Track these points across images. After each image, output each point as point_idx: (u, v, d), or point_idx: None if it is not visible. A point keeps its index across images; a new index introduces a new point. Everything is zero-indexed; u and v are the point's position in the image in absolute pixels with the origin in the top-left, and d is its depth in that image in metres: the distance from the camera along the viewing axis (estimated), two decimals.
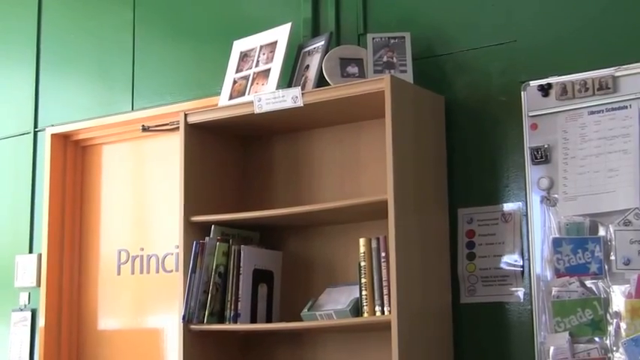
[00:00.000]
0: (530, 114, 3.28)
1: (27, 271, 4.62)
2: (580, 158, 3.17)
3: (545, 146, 3.24)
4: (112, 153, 4.65)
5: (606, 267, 3.07)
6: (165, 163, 4.33)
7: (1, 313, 4.72)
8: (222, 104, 3.73)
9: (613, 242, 3.06)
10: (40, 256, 4.59)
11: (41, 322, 4.52)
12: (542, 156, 3.24)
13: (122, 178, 4.58)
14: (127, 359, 4.40)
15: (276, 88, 3.57)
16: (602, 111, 3.16)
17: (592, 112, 3.18)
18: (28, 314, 4.60)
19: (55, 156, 4.65)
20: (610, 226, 3.08)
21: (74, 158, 4.72)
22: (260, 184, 3.89)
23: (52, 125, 4.68)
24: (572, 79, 3.22)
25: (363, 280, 3.28)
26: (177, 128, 3.78)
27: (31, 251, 4.66)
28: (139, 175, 4.53)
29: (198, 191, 3.70)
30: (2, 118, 4.92)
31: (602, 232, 3.10)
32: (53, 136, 4.66)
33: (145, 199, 4.49)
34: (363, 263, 3.29)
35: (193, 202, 3.67)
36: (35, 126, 4.77)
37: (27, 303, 4.63)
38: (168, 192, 4.17)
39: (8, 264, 4.70)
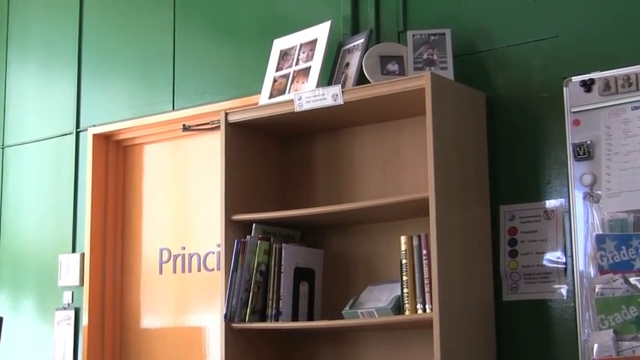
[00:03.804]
0: (573, 110, 3.25)
1: (70, 270, 4.66)
2: (623, 154, 3.14)
3: (588, 142, 3.21)
4: (153, 152, 4.68)
5: None
6: (206, 162, 4.35)
7: (45, 311, 4.77)
8: (263, 103, 3.73)
9: None
10: (83, 255, 4.63)
11: (84, 320, 4.56)
12: (584, 152, 3.21)
13: (163, 178, 4.61)
14: (170, 358, 4.42)
15: (317, 87, 3.57)
16: None
17: (635, 108, 3.14)
18: (72, 313, 4.64)
19: (96, 156, 4.69)
20: None
21: (116, 158, 4.76)
22: (301, 183, 3.90)
23: (94, 125, 4.72)
24: (614, 74, 3.19)
25: (404, 278, 3.27)
26: (218, 127, 3.80)
27: (74, 250, 4.70)
28: (180, 175, 4.56)
29: (239, 190, 3.71)
30: (45, 118, 4.97)
31: None
32: (95, 136, 4.70)
33: (186, 198, 4.51)
34: (404, 261, 3.28)
35: (234, 200, 3.68)
36: (77, 126, 4.81)
37: (70, 302, 4.68)
38: (210, 191, 4.19)
39: (52, 263, 4.75)
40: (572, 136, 3.24)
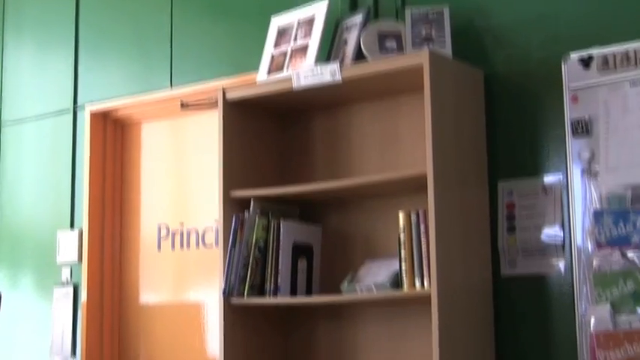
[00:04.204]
0: (571, 86, 3.26)
1: (68, 246, 4.68)
2: (621, 130, 3.15)
3: (586, 118, 3.22)
4: (151, 130, 4.68)
5: None
6: (204, 140, 4.36)
7: (43, 288, 4.79)
8: (261, 80, 3.74)
9: None
10: (81, 231, 4.64)
11: (83, 297, 4.58)
12: (583, 128, 3.23)
13: (161, 155, 4.61)
14: (169, 333, 4.44)
15: (315, 64, 3.57)
16: None
17: (634, 84, 3.15)
18: (70, 289, 4.66)
19: (94, 133, 4.70)
20: None
21: (114, 136, 4.76)
22: (299, 159, 3.91)
23: (91, 103, 4.72)
24: (613, 50, 3.20)
25: (402, 254, 3.29)
26: (216, 105, 3.80)
27: (72, 227, 4.71)
28: (178, 152, 4.56)
29: (238, 167, 3.72)
30: (42, 97, 4.96)
31: None
32: (92, 113, 4.71)
33: (184, 175, 4.52)
34: (402, 237, 3.30)
35: (233, 177, 3.69)
36: (75, 104, 4.81)
37: (69, 278, 4.69)
38: (208, 168, 4.19)
39: (50, 240, 4.76)
40: (571, 113, 3.25)
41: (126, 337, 4.60)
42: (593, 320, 3.12)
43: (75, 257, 4.64)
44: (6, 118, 5.10)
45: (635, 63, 3.14)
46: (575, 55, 3.26)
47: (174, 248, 4.48)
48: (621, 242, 3.10)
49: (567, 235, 3.27)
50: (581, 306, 3.16)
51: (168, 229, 4.51)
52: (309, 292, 3.64)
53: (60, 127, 4.86)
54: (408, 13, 3.57)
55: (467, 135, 3.39)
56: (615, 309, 3.09)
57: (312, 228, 3.71)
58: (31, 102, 5.02)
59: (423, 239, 3.24)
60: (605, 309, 3.10)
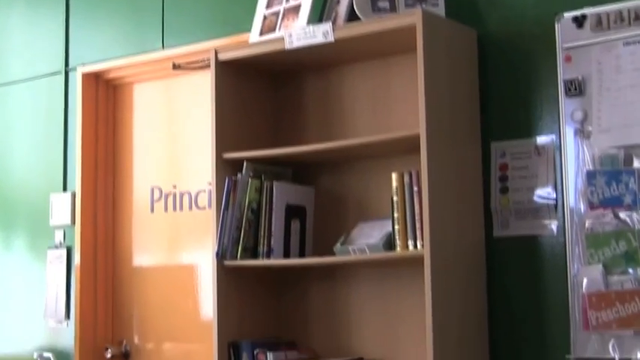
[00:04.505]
0: (564, 46, 3.24)
1: (61, 209, 4.67)
2: (615, 90, 3.14)
3: (580, 78, 3.21)
4: (144, 91, 4.66)
5: None
6: (196, 101, 4.34)
7: (37, 251, 4.79)
8: (253, 41, 3.71)
9: None
10: (74, 194, 4.64)
11: (77, 259, 4.58)
12: (576, 88, 3.21)
13: (154, 117, 4.60)
14: (162, 295, 4.45)
15: (307, 24, 3.55)
16: (638, 42, 3.11)
17: (627, 43, 3.13)
18: (64, 252, 4.66)
19: (86, 95, 4.68)
20: None
21: (106, 97, 4.74)
22: (291, 121, 3.89)
23: (83, 64, 4.69)
24: (607, 9, 3.17)
25: (395, 215, 3.29)
26: (208, 66, 3.78)
27: (65, 190, 4.70)
28: (171, 113, 4.54)
29: (230, 128, 3.71)
30: (33, 57, 4.93)
31: (636, 163, 3.07)
32: (84, 75, 4.68)
33: (177, 137, 4.50)
34: (395, 198, 3.29)
35: (225, 139, 3.68)
36: (66, 65, 4.78)
37: (62, 241, 4.69)
38: (200, 129, 4.18)
39: (43, 203, 4.75)
40: (564, 73, 3.24)
41: (119, 300, 4.61)
42: (585, 281, 3.12)
43: (68, 220, 4.64)
44: None
45: (629, 22, 3.12)
46: (568, 15, 3.24)
47: (167, 210, 4.48)
48: (614, 203, 3.10)
49: (560, 195, 3.27)
50: (573, 267, 3.17)
51: (161, 192, 4.50)
52: (302, 253, 3.64)
53: (51, 89, 4.83)
54: None
55: (460, 96, 3.37)
56: (607, 269, 3.10)
57: (305, 189, 3.70)
58: (21, 63, 4.99)
59: (415, 200, 3.23)
60: (597, 269, 3.11)
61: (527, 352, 3.31)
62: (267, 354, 3.52)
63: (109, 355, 4.53)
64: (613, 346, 3.06)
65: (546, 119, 3.34)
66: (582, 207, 3.16)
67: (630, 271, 3.06)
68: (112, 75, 4.70)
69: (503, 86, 3.44)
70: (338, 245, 3.50)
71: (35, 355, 3.53)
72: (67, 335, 4.60)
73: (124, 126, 4.70)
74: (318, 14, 3.67)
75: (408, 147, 3.33)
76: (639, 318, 3.02)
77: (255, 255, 3.56)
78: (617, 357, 3.05)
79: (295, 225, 3.62)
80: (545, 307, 3.28)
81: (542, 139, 3.34)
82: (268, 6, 3.76)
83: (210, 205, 3.99)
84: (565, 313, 3.18)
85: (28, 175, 4.89)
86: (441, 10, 3.45)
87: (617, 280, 3.08)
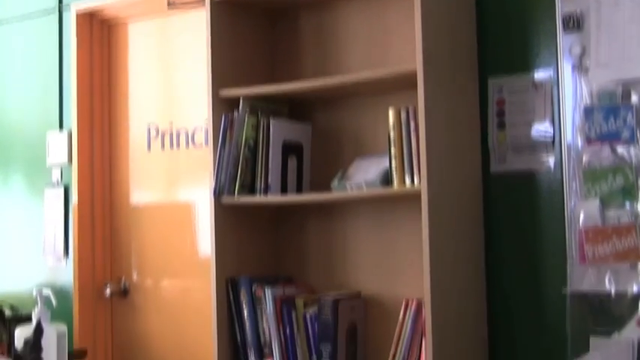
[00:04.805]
0: None
1: (58, 148, 4.67)
2: (613, 24, 3.11)
3: (578, 13, 3.18)
4: (139, 30, 4.63)
5: (638, 133, 3.04)
6: (192, 39, 4.32)
7: (34, 189, 4.80)
8: None
9: None
10: (70, 132, 4.63)
11: (74, 197, 4.59)
12: (574, 23, 3.19)
13: (149, 55, 4.57)
14: (160, 233, 4.47)
15: None
16: None
17: None
18: (61, 191, 4.66)
19: (81, 34, 4.66)
20: None
21: (100, 36, 4.72)
22: (288, 58, 3.87)
23: (77, 1, 4.65)
24: None
25: (392, 151, 3.29)
26: (203, 3, 3.74)
27: (61, 128, 4.69)
28: (167, 52, 4.52)
29: (226, 65, 3.69)
30: None
31: (634, 98, 3.06)
32: (79, 13, 4.66)
33: (173, 75, 4.48)
34: (392, 134, 3.29)
35: (221, 76, 3.66)
36: (60, 2, 4.75)
37: (59, 179, 4.69)
38: (196, 67, 4.16)
39: (40, 141, 4.75)
40: (562, 7, 3.21)
41: (117, 238, 4.63)
42: (582, 215, 3.14)
43: (65, 159, 4.64)
44: None
45: None
46: None
47: (164, 148, 4.47)
48: (611, 138, 3.09)
49: (557, 131, 3.26)
50: (570, 202, 3.17)
51: (157, 130, 4.50)
52: (299, 190, 3.64)
53: (46, 28, 4.80)
54: None
55: (457, 30, 3.35)
56: (604, 204, 3.11)
57: (302, 126, 3.70)
58: (14, 2, 4.94)
59: (412, 136, 3.23)
60: (594, 204, 3.12)
61: (523, 285, 3.33)
62: (265, 289, 3.54)
63: (107, 292, 4.57)
64: (609, 280, 3.09)
65: (544, 54, 3.32)
66: (580, 142, 3.16)
67: (627, 205, 3.06)
68: (106, 13, 4.66)
69: (500, 20, 3.42)
70: (335, 181, 3.51)
71: (34, 293, 3.54)
72: (65, 272, 4.63)
73: (119, 65, 4.68)
74: None
75: (405, 83, 3.31)
76: (635, 252, 3.04)
77: (252, 192, 3.57)
78: (612, 290, 3.08)
79: (292, 162, 3.62)
80: (542, 242, 3.29)
81: (539, 74, 3.33)
82: None
83: (207, 143, 3.98)
84: (562, 248, 3.19)
85: (25, 114, 4.88)
86: None
87: (614, 214, 3.09)
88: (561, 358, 3.17)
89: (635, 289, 3.03)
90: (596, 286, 3.11)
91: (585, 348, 3.11)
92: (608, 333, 3.07)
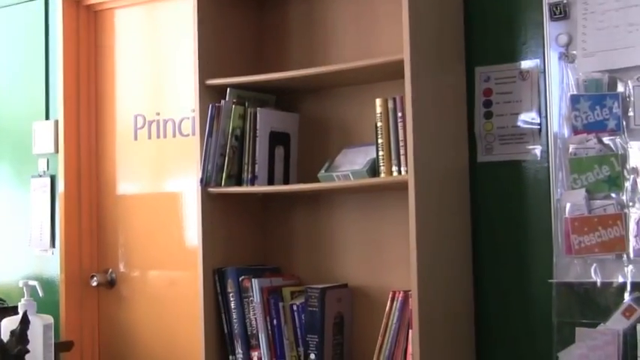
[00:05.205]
0: None
1: (44, 137, 4.65)
2: (600, 13, 3.11)
3: (564, 1, 3.17)
4: (125, 17, 4.60)
5: (624, 123, 3.05)
6: (179, 27, 4.30)
7: (21, 179, 4.78)
8: None
9: (632, 98, 3.03)
10: (56, 122, 4.61)
11: (61, 187, 4.57)
12: (561, 12, 3.18)
13: (136, 43, 4.55)
14: (147, 223, 4.46)
15: None
16: None
17: None
18: (48, 180, 4.65)
19: (67, 21, 4.63)
20: (629, 81, 3.04)
21: (87, 23, 4.69)
22: (275, 47, 3.86)
23: None
24: None
25: (379, 141, 3.28)
26: None
27: (47, 118, 4.67)
28: (153, 40, 4.50)
29: (213, 54, 3.67)
30: None
31: (620, 88, 3.06)
32: (65, 0, 4.61)
33: (159, 64, 4.46)
34: (379, 124, 3.28)
35: (208, 65, 3.64)
36: None
37: (46, 169, 4.67)
38: (183, 56, 4.15)
39: (26, 131, 4.73)
40: None
41: (104, 228, 4.61)
42: (568, 205, 3.13)
43: (51, 148, 4.62)
44: None
45: None
46: None
47: (151, 138, 4.45)
48: (597, 127, 3.09)
49: (544, 120, 3.26)
50: (556, 191, 3.17)
51: (144, 119, 4.48)
52: (286, 180, 3.63)
53: (31, 15, 4.77)
54: None
55: (444, 20, 3.34)
56: (590, 194, 3.10)
57: (289, 116, 3.68)
58: None
59: (399, 126, 3.22)
60: (580, 194, 3.11)
61: (509, 276, 3.33)
62: (252, 280, 3.53)
63: (94, 283, 4.56)
64: (595, 270, 3.09)
65: (531, 43, 3.31)
66: (566, 132, 3.16)
67: (613, 195, 3.06)
68: (92, 0, 4.63)
69: (487, 10, 3.41)
70: (322, 172, 3.50)
71: (21, 284, 3.53)
72: (52, 263, 4.62)
73: (105, 53, 4.65)
74: None
75: (392, 73, 3.30)
76: (621, 242, 3.04)
77: (239, 182, 3.56)
78: (598, 280, 3.08)
79: (279, 151, 3.61)
80: (528, 232, 3.29)
81: (526, 64, 3.32)
82: None
83: (194, 132, 3.97)
84: (548, 238, 3.19)
85: (10, 103, 4.85)
86: None
87: (600, 204, 3.08)
88: (547, 349, 3.17)
89: (620, 279, 3.03)
90: (582, 276, 3.11)
91: (571, 338, 3.11)
92: (594, 324, 3.08)
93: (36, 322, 3.31)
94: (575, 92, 3.14)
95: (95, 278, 4.55)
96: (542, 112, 3.27)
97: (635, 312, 3.01)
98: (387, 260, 3.53)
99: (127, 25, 4.59)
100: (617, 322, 3.03)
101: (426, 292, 3.11)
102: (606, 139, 3.08)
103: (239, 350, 3.56)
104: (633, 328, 3.00)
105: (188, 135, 4.29)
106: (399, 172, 3.22)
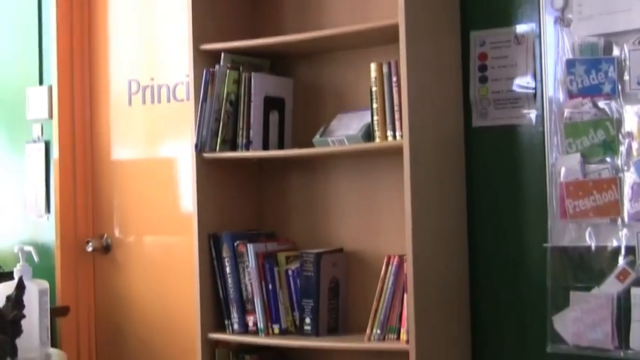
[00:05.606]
0: None
1: (38, 103, 4.63)
2: None
3: None
4: None
5: (620, 87, 3.04)
6: None
7: (15, 145, 4.77)
8: None
9: (627, 62, 3.02)
10: (50, 88, 4.59)
11: (55, 153, 4.56)
12: None
13: (130, 8, 4.51)
14: (142, 189, 4.45)
15: None
16: None
17: None
18: (42, 146, 4.63)
19: None
20: (625, 45, 3.03)
21: None
22: (269, 11, 3.84)
23: None
24: None
25: (374, 106, 3.27)
26: None
27: (41, 83, 4.65)
28: (147, 4, 4.46)
29: (207, 19, 3.65)
30: None
31: (616, 51, 3.05)
32: None
33: (153, 29, 4.43)
34: (374, 88, 3.27)
35: (202, 30, 3.63)
36: None
37: (40, 135, 4.66)
38: (177, 21, 4.12)
39: (19, 97, 4.71)
40: None
41: (99, 194, 4.60)
42: (563, 170, 3.14)
43: (45, 114, 4.60)
44: None
45: None
46: None
47: (145, 103, 4.43)
48: (593, 92, 3.09)
49: (539, 85, 3.25)
50: (551, 156, 3.17)
51: (138, 84, 4.45)
52: (281, 145, 3.63)
53: None
54: None
55: None
56: (585, 158, 3.11)
57: (284, 81, 3.67)
58: None
59: (394, 90, 3.21)
60: (575, 159, 3.11)
61: (504, 240, 3.34)
62: (247, 245, 3.54)
63: (90, 249, 4.56)
64: (589, 234, 3.10)
65: (526, 7, 3.30)
66: (561, 96, 3.15)
67: (608, 160, 3.06)
68: None
69: None
70: (317, 137, 3.49)
71: (16, 249, 3.52)
72: (47, 229, 4.61)
73: (99, 18, 4.62)
74: None
75: (386, 37, 3.29)
76: (616, 206, 3.05)
77: (234, 147, 3.55)
78: (593, 245, 3.09)
79: (274, 116, 3.60)
80: (523, 197, 3.30)
81: (522, 28, 3.31)
82: None
83: (188, 98, 3.96)
84: (543, 202, 3.20)
85: (3, 69, 4.83)
86: None
87: (595, 168, 3.09)
88: (542, 313, 3.18)
89: (615, 243, 3.04)
90: (577, 241, 3.12)
91: (565, 302, 3.13)
92: (588, 287, 3.09)
93: (32, 287, 3.31)
94: (570, 56, 3.13)
95: (90, 244, 4.55)
96: (538, 76, 3.26)
97: (629, 275, 3.02)
98: (382, 225, 3.53)
99: None
100: (611, 286, 3.04)
101: (421, 257, 3.12)
102: (601, 104, 3.08)
103: (234, 315, 3.57)
104: (627, 291, 3.02)
105: (182, 100, 4.27)
106: (394, 137, 3.21)
